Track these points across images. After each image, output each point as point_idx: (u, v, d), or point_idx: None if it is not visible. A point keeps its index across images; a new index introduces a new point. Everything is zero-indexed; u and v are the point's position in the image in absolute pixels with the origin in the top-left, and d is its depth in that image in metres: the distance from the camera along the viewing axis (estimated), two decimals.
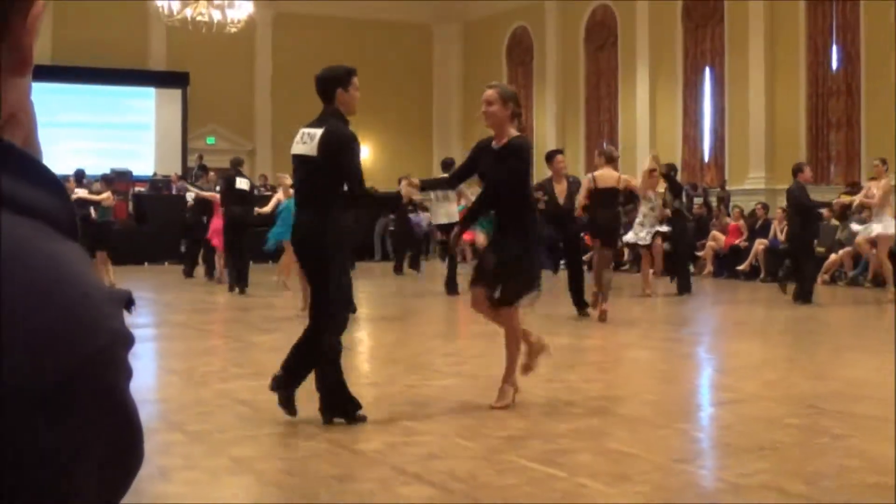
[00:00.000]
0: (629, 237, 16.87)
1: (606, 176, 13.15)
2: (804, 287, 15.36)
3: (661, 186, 17.44)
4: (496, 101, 7.42)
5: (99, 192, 18.82)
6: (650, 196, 16.59)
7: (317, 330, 6.85)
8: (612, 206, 13.39)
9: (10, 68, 0.94)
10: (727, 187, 24.19)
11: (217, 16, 25.17)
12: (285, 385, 6.76)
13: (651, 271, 17.19)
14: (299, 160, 7.10)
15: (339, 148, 6.94)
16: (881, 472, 5.45)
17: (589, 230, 13.31)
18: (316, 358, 6.81)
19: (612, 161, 13.42)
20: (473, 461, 5.69)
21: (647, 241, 16.57)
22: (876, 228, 16.08)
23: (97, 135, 29.52)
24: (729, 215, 22.45)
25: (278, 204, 16.08)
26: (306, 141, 7.05)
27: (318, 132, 6.99)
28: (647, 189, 16.42)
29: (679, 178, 19.09)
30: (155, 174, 29.23)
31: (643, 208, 16.76)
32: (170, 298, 16.61)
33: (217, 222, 18.76)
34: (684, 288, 17.07)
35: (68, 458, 0.84)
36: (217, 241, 18.95)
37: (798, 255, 15.84)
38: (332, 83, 7.23)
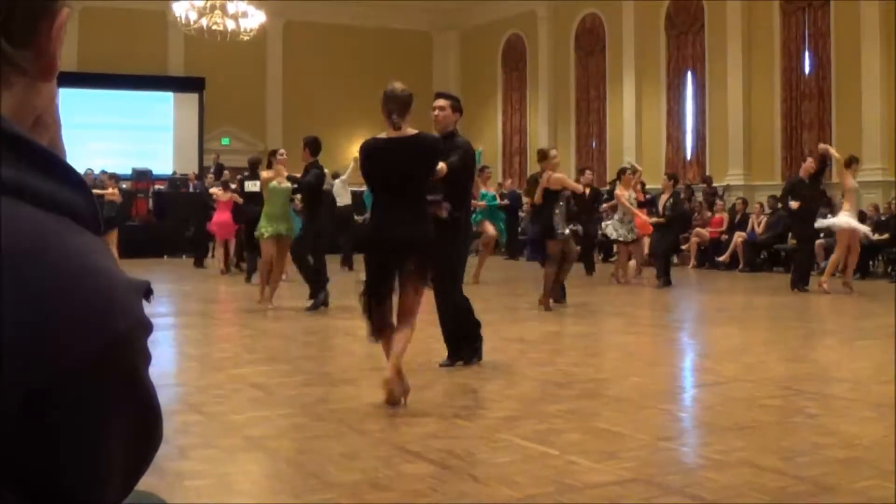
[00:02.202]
0: (611, 233, 17.14)
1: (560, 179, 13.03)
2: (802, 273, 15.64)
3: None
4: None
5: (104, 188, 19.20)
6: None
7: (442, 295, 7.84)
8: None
9: (37, 74, 0.94)
10: (713, 184, 24.13)
11: (231, 25, 25.16)
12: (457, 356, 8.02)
13: (632, 263, 17.48)
14: None
15: None
16: (850, 447, 5.46)
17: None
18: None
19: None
20: (471, 440, 5.69)
21: (630, 238, 16.84)
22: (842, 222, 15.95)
23: (120, 136, 29.52)
24: (711, 211, 22.44)
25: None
26: None
27: None
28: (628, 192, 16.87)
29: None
30: (175, 173, 29.19)
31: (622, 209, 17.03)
32: (187, 289, 16.61)
33: (218, 216, 19.68)
34: (667, 282, 17.18)
35: (94, 436, 0.84)
36: (220, 233, 19.90)
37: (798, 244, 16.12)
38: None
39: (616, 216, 17.29)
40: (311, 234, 12.99)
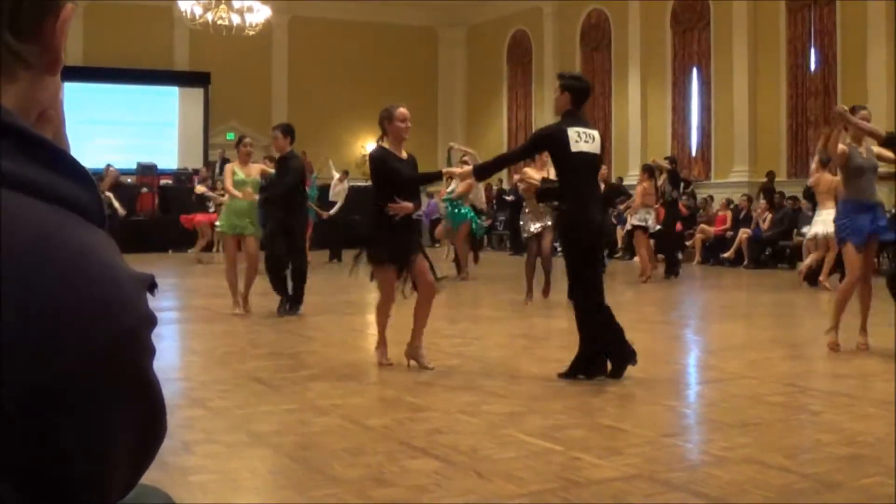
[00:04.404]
0: (637, 221, 16.96)
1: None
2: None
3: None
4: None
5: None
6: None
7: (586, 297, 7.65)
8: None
9: (43, 69, 0.94)
10: (775, 179, 23.72)
11: (236, 20, 25.17)
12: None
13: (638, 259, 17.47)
14: (589, 157, 7.48)
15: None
16: (854, 445, 5.46)
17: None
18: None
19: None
20: (475, 436, 5.69)
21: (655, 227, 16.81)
22: (817, 227, 15.75)
23: (125, 131, 29.51)
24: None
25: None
26: (588, 140, 7.45)
27: (596, 132, 7.59)
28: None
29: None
30: (185, 168, 29.01)
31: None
32: (192, 283, 16.62)
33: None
34: (671, 271, 17.31)
35: (99, 432, 0.84)
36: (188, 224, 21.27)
37: None
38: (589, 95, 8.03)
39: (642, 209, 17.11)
40: (281, 234, 11.70)
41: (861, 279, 8.79)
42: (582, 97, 7.67)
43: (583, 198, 7.51)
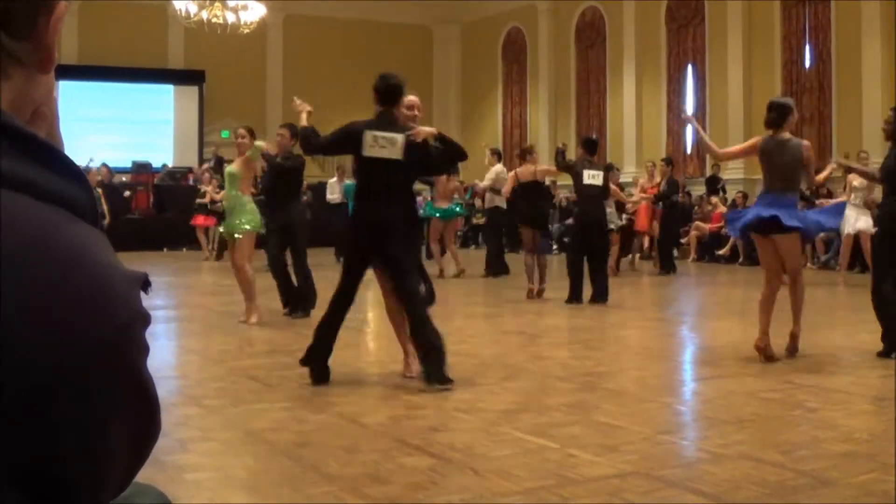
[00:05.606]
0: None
1: (526, 171, 13.74)
2: None
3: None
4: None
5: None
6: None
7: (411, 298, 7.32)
8: (538, 196, 13.83)
9: (36, 66, 0.94)
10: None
11: (231, 18, 25.15)
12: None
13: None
14: (381, 162, 7.19)
15: (420, 148, 7.28)
16: (850, 441, 5.46)
17: (519, 219, 13.88)
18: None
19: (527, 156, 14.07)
20: (471, 433, 5.69)
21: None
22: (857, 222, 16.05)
23: (120, 129, 29.48)
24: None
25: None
26: (385, 145, 7.18)
27: (400, 137, 7.20)
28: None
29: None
30: (164, 165, 28.86)
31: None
32: (188, 282, 16.61)
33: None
34: (668, 268, 17.51)
35: (96, 429, 0.84)
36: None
37: None
38: (399, 92, 7.44)
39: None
40: (278, 231, 11.32)
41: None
42: (385, 96, 7.35)
43: (368, 200, 7.26)
